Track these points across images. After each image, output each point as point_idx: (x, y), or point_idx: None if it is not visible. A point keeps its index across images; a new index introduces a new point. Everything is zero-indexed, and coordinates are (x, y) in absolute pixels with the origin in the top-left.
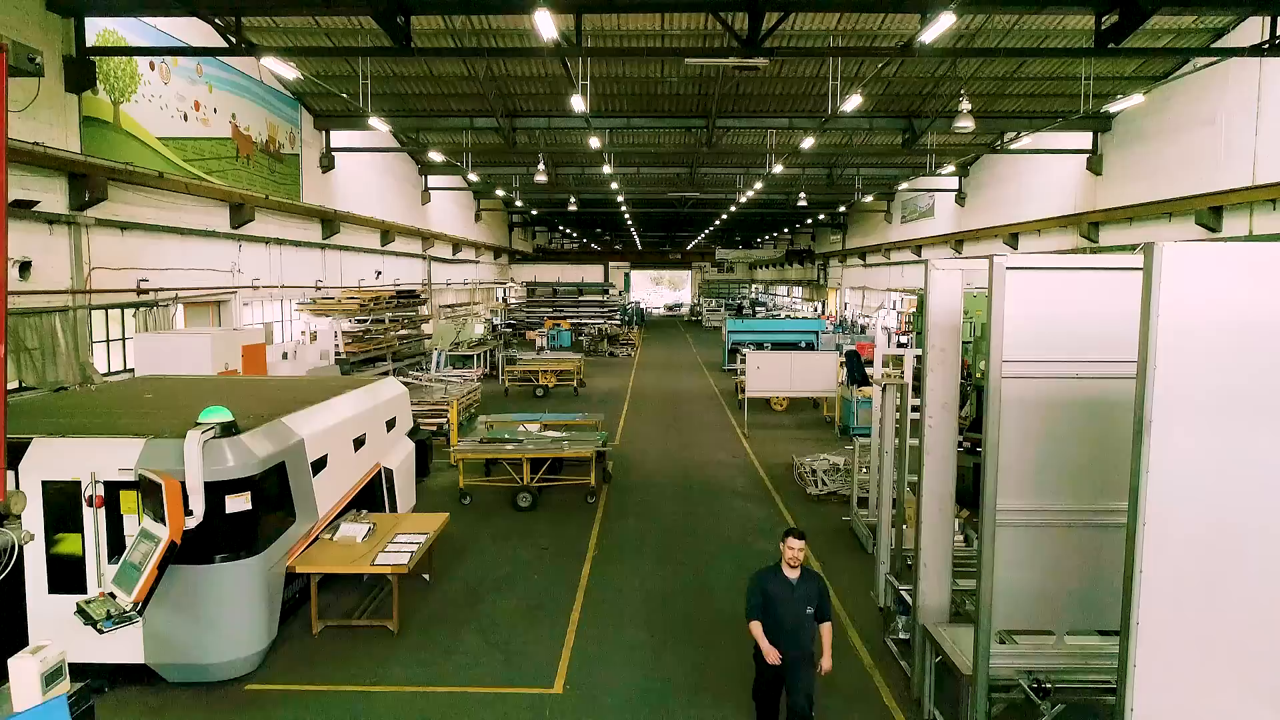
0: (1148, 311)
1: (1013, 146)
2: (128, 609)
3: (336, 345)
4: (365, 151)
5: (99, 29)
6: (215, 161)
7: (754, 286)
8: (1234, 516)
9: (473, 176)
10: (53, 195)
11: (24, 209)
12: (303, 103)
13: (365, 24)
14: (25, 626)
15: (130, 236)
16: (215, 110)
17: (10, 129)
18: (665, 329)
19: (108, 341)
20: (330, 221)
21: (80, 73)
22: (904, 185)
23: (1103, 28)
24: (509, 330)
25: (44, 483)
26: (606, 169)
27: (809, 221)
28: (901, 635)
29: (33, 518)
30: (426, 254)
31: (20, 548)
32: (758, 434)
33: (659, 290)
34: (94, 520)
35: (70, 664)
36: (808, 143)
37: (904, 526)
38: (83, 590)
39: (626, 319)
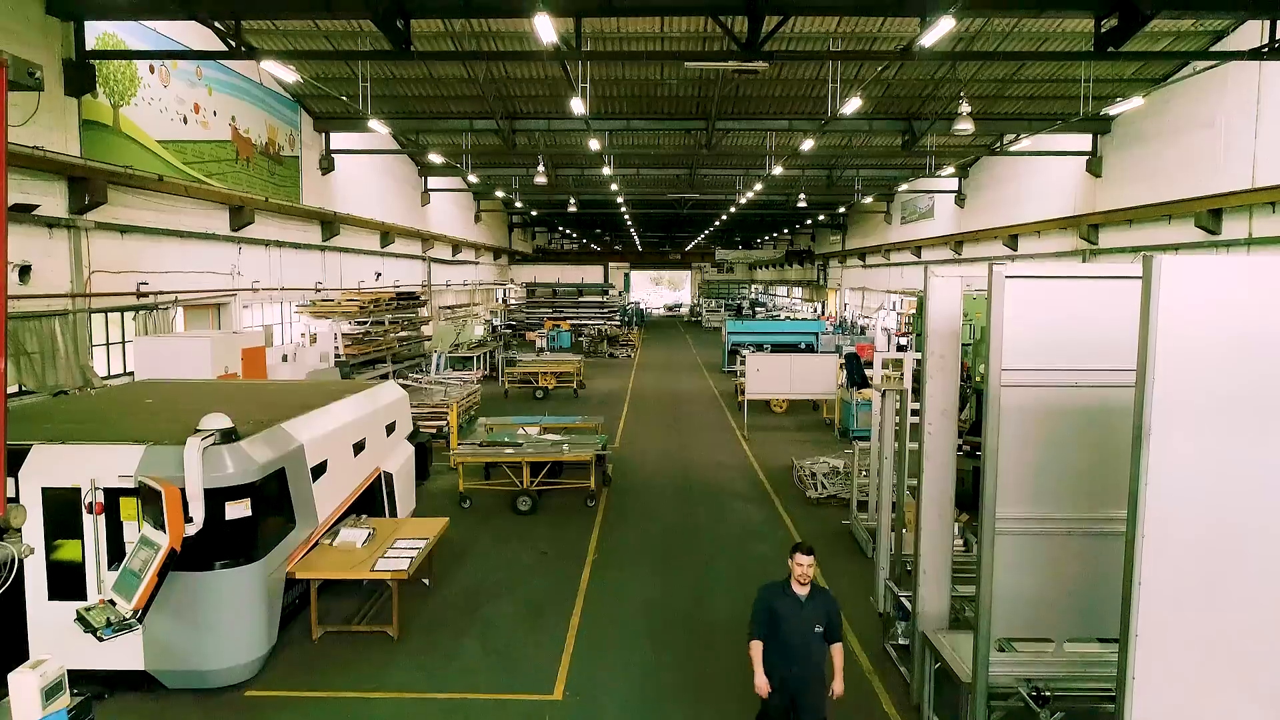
0: (1146, 322)
1: (1012, 148)
2: (128, 616)
3: (336, 347)
4: (365, 153)
5: (99, 32)
6: (215, 164)
7: (754, 287)
8: (1233, 522)
9: (472, 178)
10: (52, 199)
11: (24, 213)
12: (302, 105)
13: (365, 27)
14: (25, 633)
15: (130, 239)
16: (215, 113)
17: (10, 133)
18: (665, 329)
19: (107, 345)
20: (330, 223)
21: (80, 76)
22: (904, 186)
23: (1102, 31)
24: (509, 331)
25: (44, 489)
26: (606, 170)
27: (809, 222)
28: (901, 641)
29: (33, 524)
30: (426, 255)
31: (20, 561)
32: (757, 436)
33: (659, 290)
34: (94, 527)
35: (70, 670)
36: (807, 145)
37: (903, 531)
38: (83, 597)
39: (626, 320)
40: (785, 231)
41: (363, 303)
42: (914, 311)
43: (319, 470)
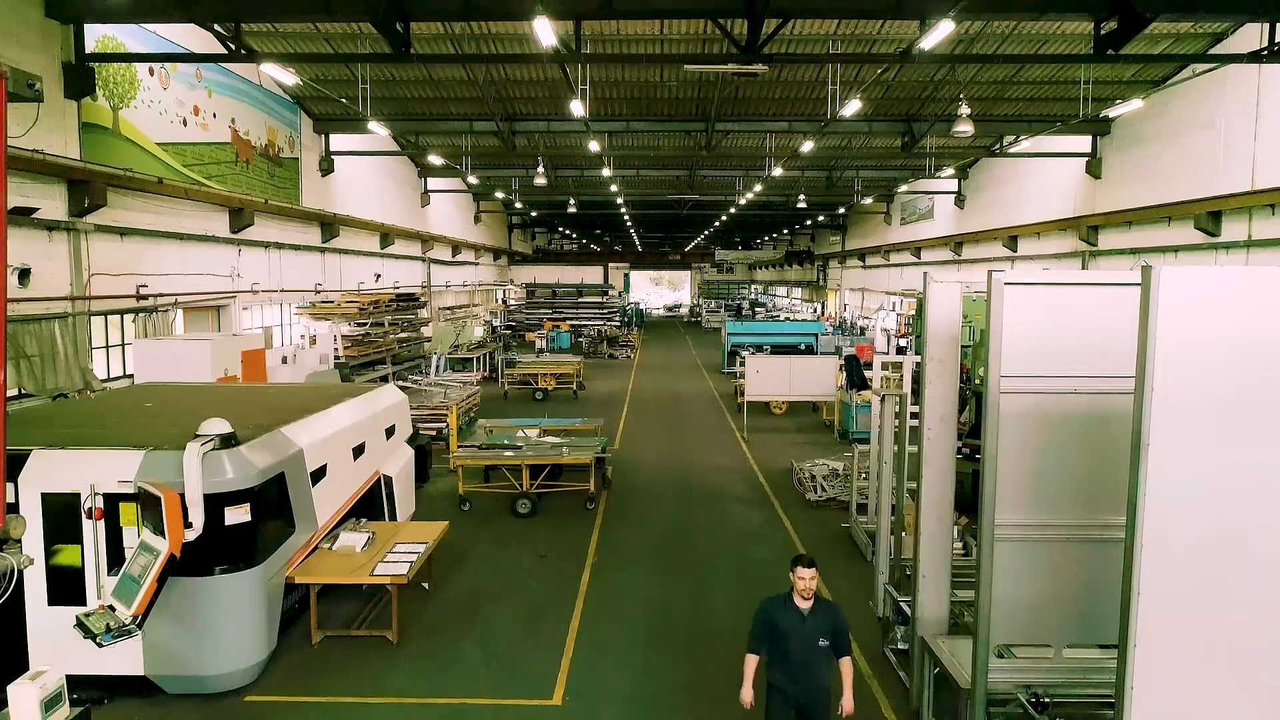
0: (1145, 333)
1: (1012, 150)
2: (127, 622)
3: (336, 349)
4: (365, 155)
5: (98, 35)
6: (215, 166)
7: (753, 287)
8: (1233, 523)
9: (472, 179)
10: (52, 202)
11: (23, 216)
12: (302, 106)
13: (365, 29)
14: (25, 639)
15: (129, 242)
16: (215, 115)
17: (9, 136)
18: (665, 330)
19: (107, 347)
20: (330, 225)
21: (80, 79)
22: (903, 188)
23: (1101, 34)
24: (509, 332)
25: (43, 495)
26: (606, 172)
27: (808, 223)
28: (900, 645)
29: (32, 530)
30: (426, 256)
31: (20, 572)
32: (757, 438)
33: (659, 290)
34: (93, 532)
35: (70, 676)
36: (807, 146)
37: (903, 534)
38: (82, 602)
39: (626, 320)
40: (785, 232)
41: (362, 304)
42: (914, 312)
43: (318, 474)
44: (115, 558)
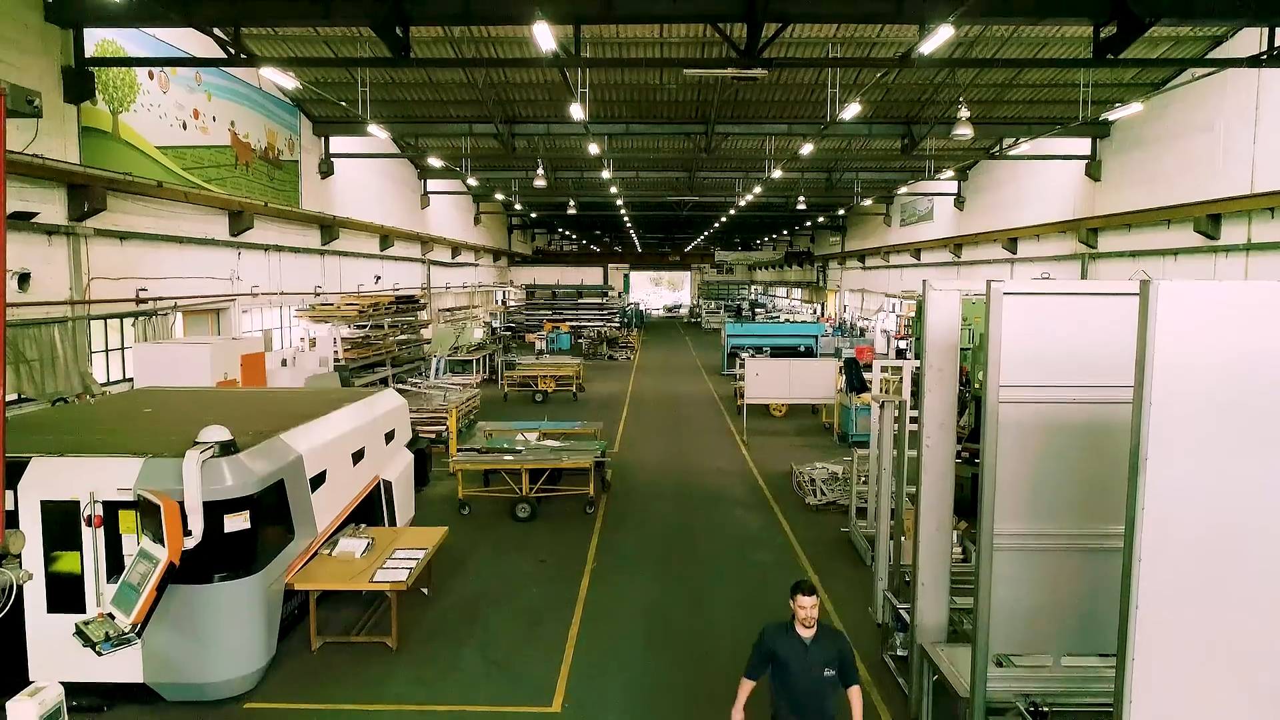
0: (1144, 347)
1: (1011, 152)
2: (126, 630)
3: (335, 352)
4: (364, 157)
5: (98, 39)
6: (214, 169)
7: (753, 288)
8: (1230, 544)
9: (472, 181)
10: (51, 206)
11: (23, 220)
12: (301, 109)
13: (365, 32)
14: (24, 646)
15: (129, 246)
16: (214, 118)
17: (9, 141)
18: (664, 331)
19: (106, 351)
20: (329, 227)
21: (79, 84)
22: (903, 189)
23: (1101, 38)
24: (508, 333)
25: (43, 502)
26: (605, 174)
27: (808, 224)
28: (899, 652)
29: (32, 537)
30: (425, 258)
31: (20, 587)
32: (756, 441)
33: (658, 291)
34: (93, 540)
35: (69, 683)
36: (807, 149)
37: (902, 539)
38: (82, 610)
39: (626, 321)
40: (785, 233)
41: (362, 306)
42: (913, 314)
43: (318, 480)
44: (115, 565)
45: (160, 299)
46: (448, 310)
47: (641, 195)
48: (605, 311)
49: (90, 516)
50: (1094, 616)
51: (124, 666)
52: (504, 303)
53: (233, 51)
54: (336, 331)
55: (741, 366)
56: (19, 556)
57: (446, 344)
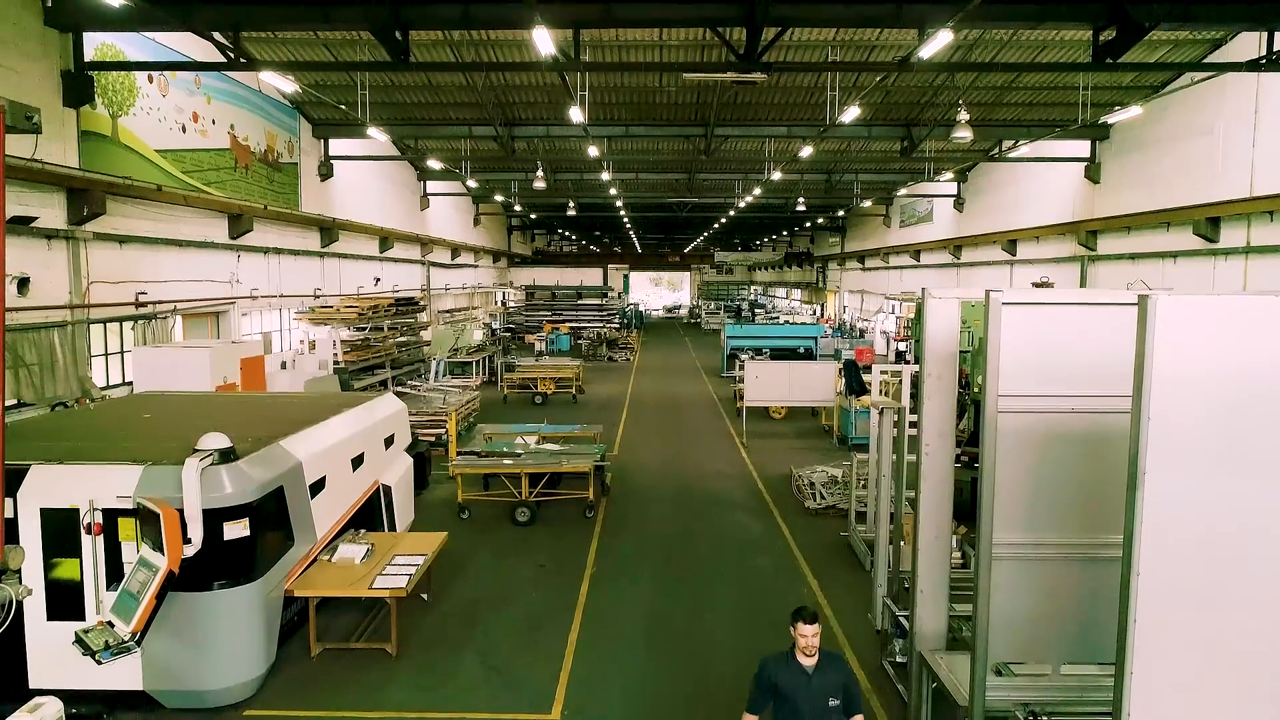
0: (1142, 362)
1: (1011, 155)
2: (126, 639)
3: (335, 354)
4: (364, 160)
5: (97, 43)
6: (214, 172)
7: (753, 288)
8: (1230, 554)
9: (471, 183)
10: (51, 210)
11: (22, 225)
12: (301, 111)
13: (365, 35)
14: (24, 654)
15: (129, 249)
16: (214, 121)
17: (8, 146)
18: (664, 331)
19: (106, 355)
20: (329, 229)
21: (79, 87)
22: (903, 191)
23: (1100, 42)
24: (508, 334)
25: (42, 510)
26: (605, 175)
27: (808, 225)
28: (899, 658)
29: (31, 545)
30: (425, 259)
31: (20, 603)
32: (756, 443)
33: (658, 291)
34: (92, 547)
35: (68, 691)
36: (806, 151)
37: (901, 544)
38: (81, 617)
39: (625, 322)
40: (784, 234)
41: (361, 309)
42: (913, 316)
43: (317, 487)
44: (114, 573)
45: (160, 302)
46: (447, 312)
47: (641, 196)
48: (605, 312)
49: (90, 524)
50: (1093, 625)
51: (124, 674)
52: (503, 304)
53: (232, 55)
54: (336, 334)
55: (741, 368)
56: (18, 572)
57: (446, 346)
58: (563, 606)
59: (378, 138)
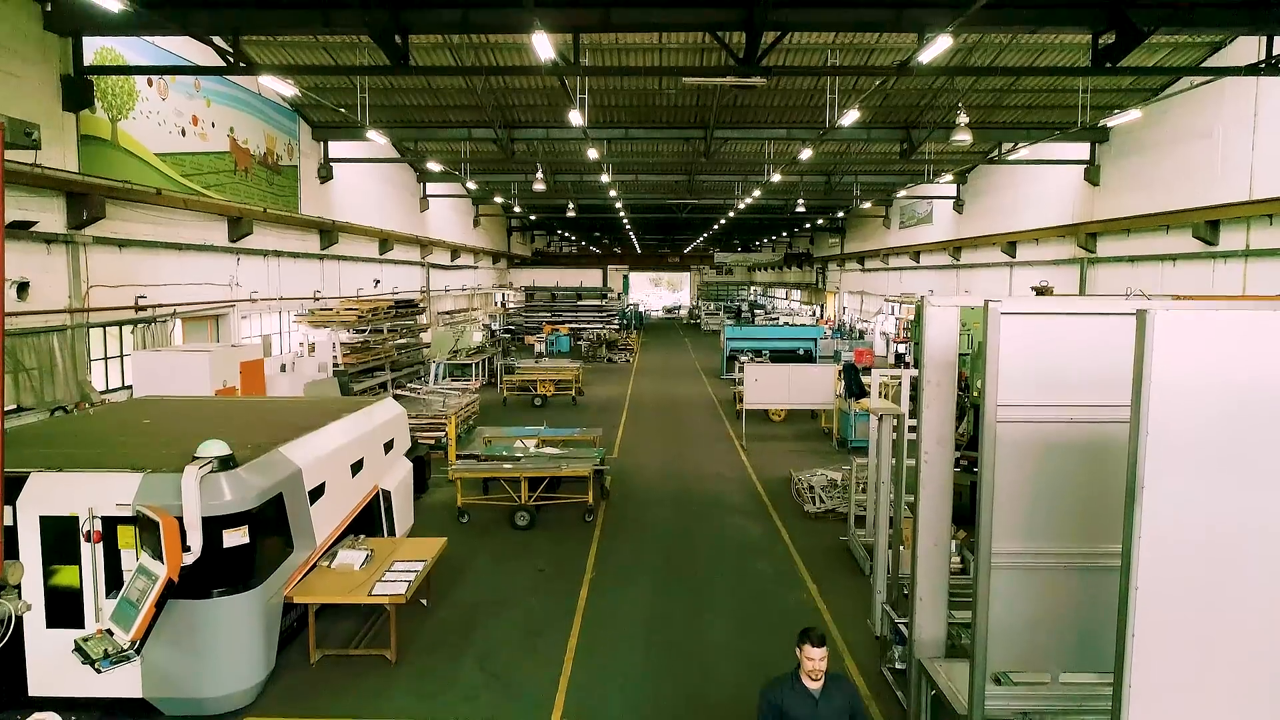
0: (1140, 377)
1: (1010, 157)
2: (125, 647)
3: (335, 357)
4: (363, 162)
5: (97, 47)
6: (213, 176)
7: (753, 289)
8: (1230, 562)
9: (471, 184)
10: (50, 215)
11: (22, 230)
12: (301, 114)
13: (364, 38)
14: (24, 661)
15: (128, 253)
16: (213, 124)
17: (9, 131)
18: (664, 332)
19: (105, 359)
20: (329, 232)
21: (78, 92)
22: (902, 193)
23: (1099, 46)
24: (508, 336)
25: (42, 518)
26: (605, 177)
27: (807, 226)
28: (898, 665)
29: (31, 553)
30: (425, 261)
31: (19, 618)
32: (756, 446)
33: (658, 291)
34: (92, 555)
35: (68, 699)
36: (806, 154)
37: (901, 548)
38: (81, 625)
39: (625, 323)
40: (784, 234)
41: (361, 311)
42: (912, 318)
43: (317, 493)
44: (114, 580)
45: (159, 306)
46: (447, 313)
47: (641, 198)
48: (605, 313)
49: (89, 532)
50: (1092, 634)
51: (123, 682)
52: (503, 305)
53: (232, 59)
54: (335, 336)
55: (740, 370)
56: (18, 587)
57: (445, 347)
58: (562, 612)
59: (377, 140)
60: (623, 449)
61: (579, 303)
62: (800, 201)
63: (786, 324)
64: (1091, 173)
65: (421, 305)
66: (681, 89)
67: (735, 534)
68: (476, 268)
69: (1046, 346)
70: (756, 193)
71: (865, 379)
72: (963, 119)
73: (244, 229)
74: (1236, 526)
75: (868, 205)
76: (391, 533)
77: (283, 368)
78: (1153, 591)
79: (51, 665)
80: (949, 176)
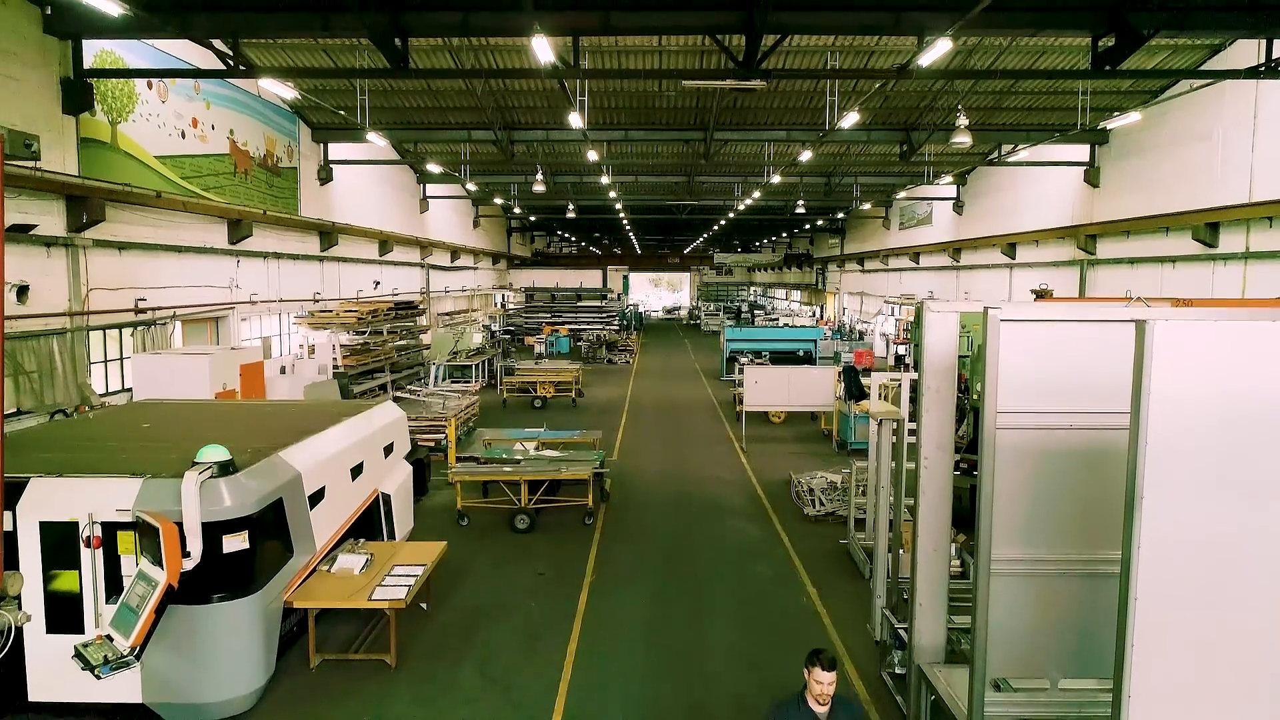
0: (1139, 389)
1: (1010, 159)
2: (125, 653)
3: (334, 359)
4: (363, 164)
5: (96, 50)
6: (213, 178)
7: (752, 289)
8: (1226, 578)
9: (471, 186)
10: (50, 218)
11: (21, 233)
12: (300, 116)
13: (364, 40)
14: (24, 667)
15: (128, 256)
16: (213, 126)
17: (8, 143)
18: (663, 333)
19: (105, 362)
20: (328, 233)
21: (78, 95)
22: (902, 194)
23: (1099, 50)
24: (507, 337)
25: (41, 523)
26: (605, 179)
27: (807, 226)
28: (898, 670)
29: (31, 558)
30: (425, 262)
31: (19, 629)
32: (755, 448)
33: (658, 291)
34: (91, 560)
35: (68, 704)
36: (805, 155)
37: (900, 551)
38: (80, 630)
39: (625, 323)
40: (784, 235)
41: (361, 313)
42: (912, 319)
43: (317, 497)
44: (113, 586)
45: (159, 308)
46: (446, 314)
47: (641, 199)
48: (604, 314)
49: (89, 537)
50: (1092, 640)
51: (123, 687)
52: (503, 306)
53: (232, 62)
54: (335, 338)
55: (740, 372)
56: (18, 598)
57: (445, 349)
58: (562, 616)
59: (377, 142)
60: (622, 451)
61: (579, 303)
62: (800, 203)
63: (786, 325)
64: (1091, 174)
65: (421, 307)
66: (681, 91)
67: (735, 537)
68: (476, 269)
69: (1046, 352)
70: (756, 194)
71: (865, 381)
72: (962, 121)
73: (244, 231)
74: (1235, 534)
75: (867, 206)
76: (391, 536)
77: (282, 370)
78: (1152, 600)
79: (51, 670)
80: (949, 178)
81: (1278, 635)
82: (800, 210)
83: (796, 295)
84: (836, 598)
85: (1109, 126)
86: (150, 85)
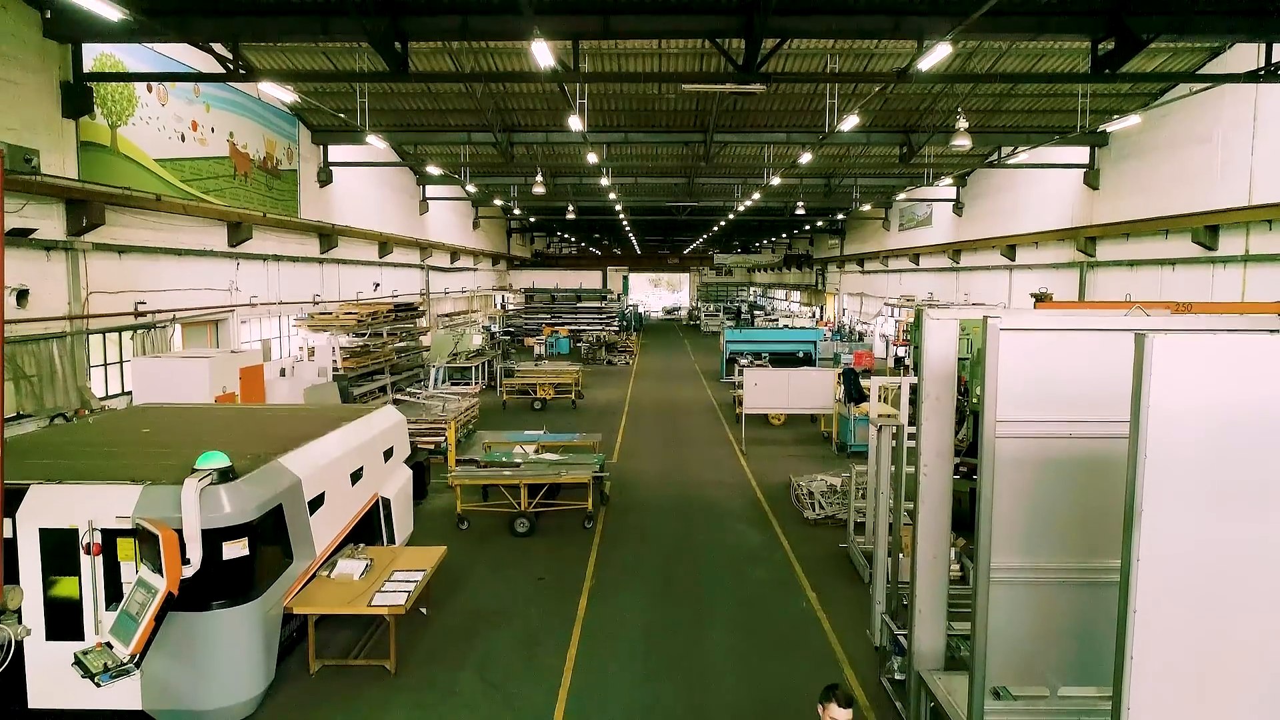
0: (1138, 401)
1: (1010, 161)
2: (125, 661)
3: (334, 361)
4: (363, 166)
5: (96, 54)
6: (213, 181)
7: (752, 290)
8: (1226, 587)
9: (471, 187)
10: (50, 222)
11: (21, 237)
12: (300, 118)
13: (364, 44)
14: (23, 674)
15: (128, 259)
16: (213, 129)
17: (8, 158)
18: (663, 333)
19: (105, 365)
20: (328, 236)
21: (78, 98)
22: (902, 195)
23: (1099, 53)
24: (507, 338)
25: (41, 530)
26: (604, 181)
27: (807, 228)
28: (897, 676)
29: (30, 565)
30: (424, 264)
31: (19, 643)
32: (755, 450)
33: (657, 292)
34: (91, 568)
35: (68, 711)
36: (805, 158)
37: (900, 556)
38: (80, 637)
39: (625, 324)
40: (784, 236)
41: (361, 315)
42: (912, 321)
43: (316, 503)
44: (113, 593)
45: (159, 311)
46: (446, 316)
47: (640, 200)
48: (604, 315)
49: (89, 544)
50: (1091, 648)
51: (122, 694)
52: (503, 307)
53: (231, 65)
54: (335, 340)
55: (740, 373)
56: (18, 612)
57: (445, 350)
58: (562, 621)
59: (377, 144)
60: (622, 453)
61: (578, 304)
62: (800, 204)
63: (786, 326)
64: (1091, 177)
65: (421, 308)
66: (681, 93)
67: (735, 540)
68: (476, 270)
69: (1045, 360)
70: (756, 195)
71: (865, 383)
72: (962, 123)
73: (244, 234)
74: (1234, 545)
75: (867, 208)
76: (391, 540)
77: (282, 372)
78: (1151, 611)
79: (51, 678)
80: (948, 180)
81: (1277, 645)
82: (800, 211)
83: (796, 296)
84: (836, 602)
85: (1109, 129)
86: (150, 89)
